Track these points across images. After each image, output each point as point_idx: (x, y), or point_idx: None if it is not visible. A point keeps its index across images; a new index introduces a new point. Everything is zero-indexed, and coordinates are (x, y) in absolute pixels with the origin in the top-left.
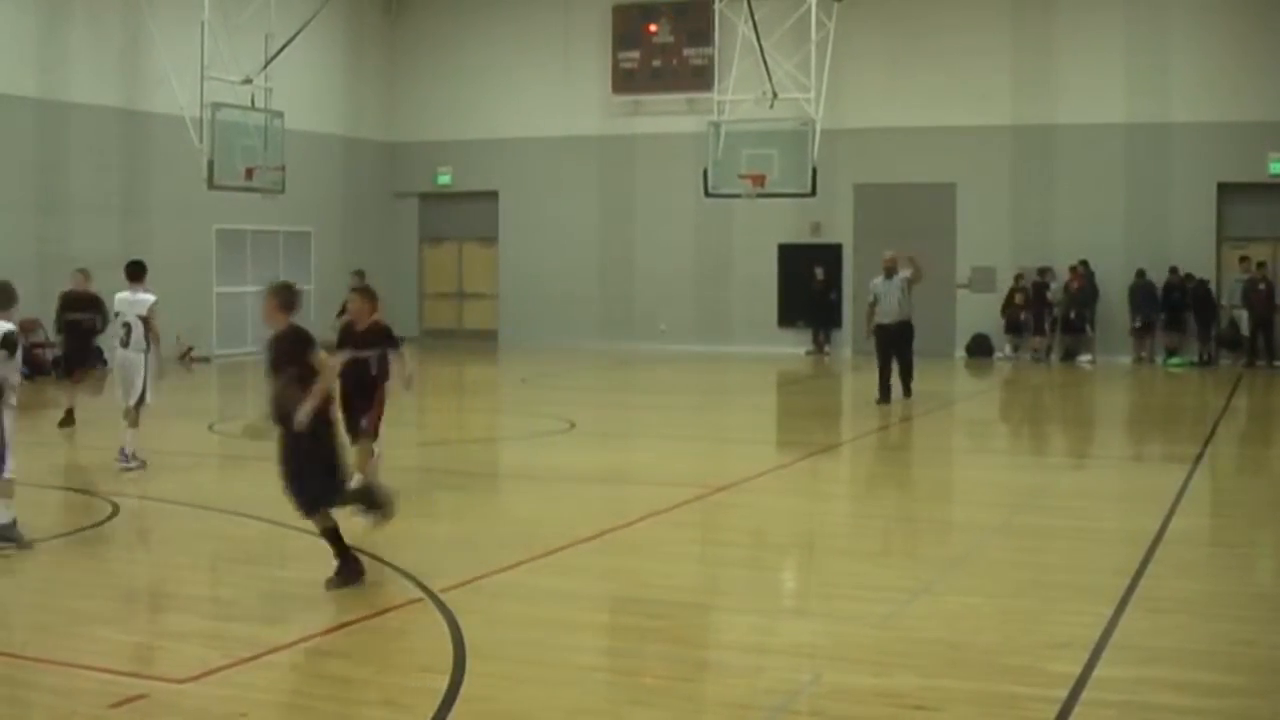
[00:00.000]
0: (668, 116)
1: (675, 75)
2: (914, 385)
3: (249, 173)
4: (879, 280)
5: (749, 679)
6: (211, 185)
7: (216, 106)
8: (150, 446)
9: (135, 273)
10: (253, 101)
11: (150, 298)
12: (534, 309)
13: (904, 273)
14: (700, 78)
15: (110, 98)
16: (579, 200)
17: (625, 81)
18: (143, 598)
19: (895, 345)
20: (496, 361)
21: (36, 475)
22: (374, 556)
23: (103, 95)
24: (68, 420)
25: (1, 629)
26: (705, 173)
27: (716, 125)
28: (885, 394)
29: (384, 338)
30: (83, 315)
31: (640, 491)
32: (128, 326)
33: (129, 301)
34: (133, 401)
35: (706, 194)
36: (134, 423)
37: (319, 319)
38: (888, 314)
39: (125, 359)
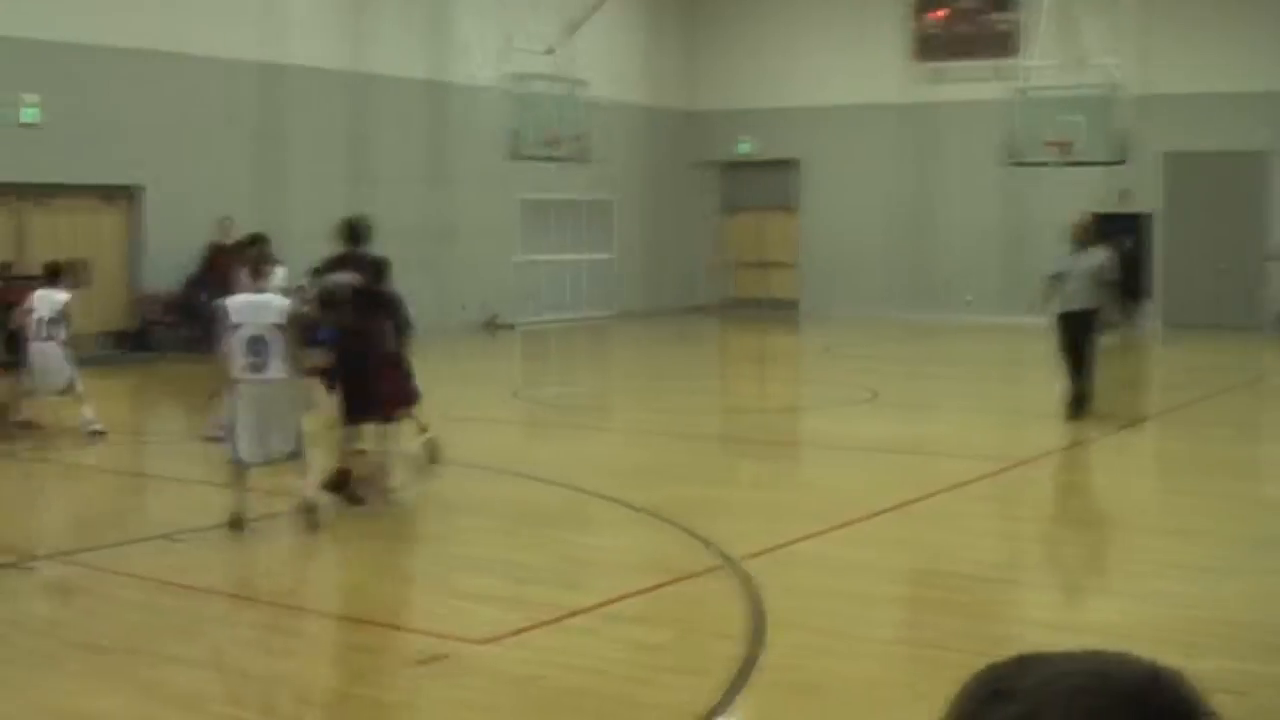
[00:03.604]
0: (971, 83)
1: (979, 41)
2: (1090, 403)
3: (552, 142)
4: (1065, 251)
5: None
6: (515, 155)
7: (520, 77)
8: (454, 414)
9: (54, 273)
10: (555, 72)
11: (67, 295)
12: (835, 278)
13: (1104, 253)
14: (1005, 43)
15: (416, 70)
16: (881, 168)
17: (927, 48)
18: (444, 560)
19: (1075, 341)
20: (797, 331)
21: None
22: (675, 523)
23: (409, 68)
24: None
25: (310, 587)
26: (1010, 140)
27: (1022, 92)
28: (1078, 402)
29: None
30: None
31: (942, 463)
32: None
33: (48, 299)
34: (80, 389)
35: (1012, 162)
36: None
37: (621, 288)
38: (1070, 298)
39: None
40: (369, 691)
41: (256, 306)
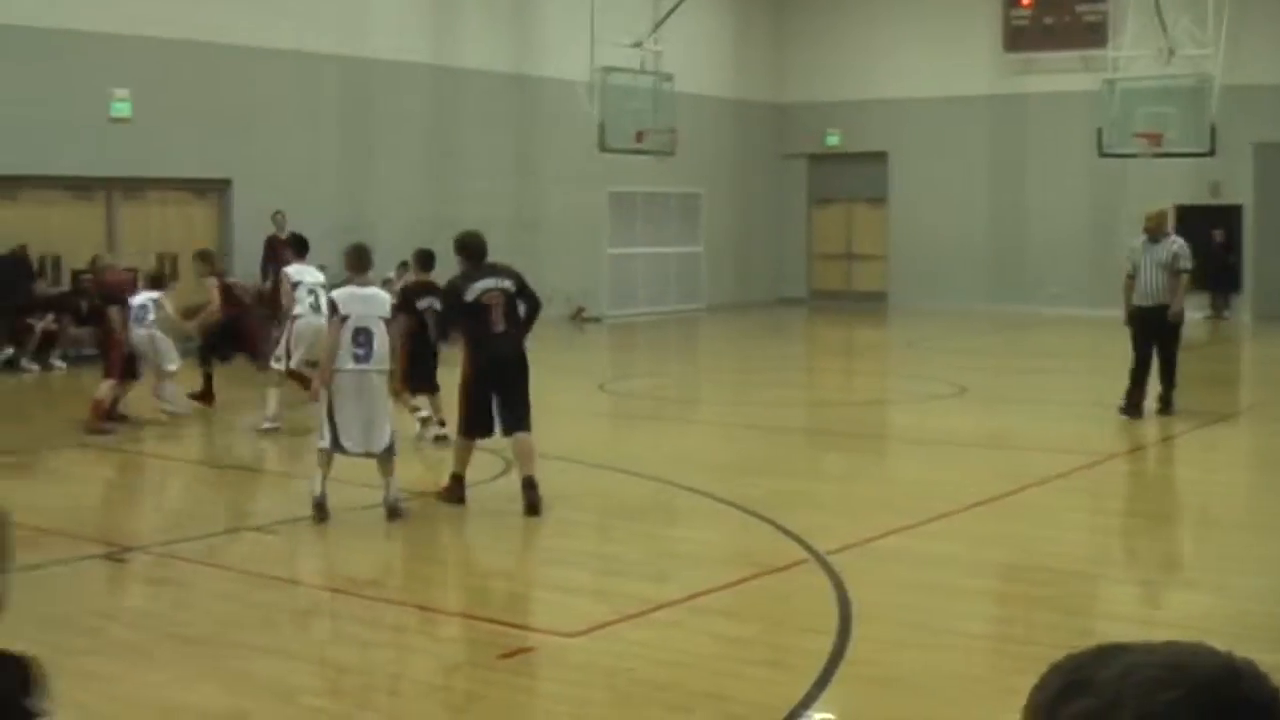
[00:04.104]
0: (1060, 74)
1: (1068, 32)
2: (1175, 396)
3: (640, 136)
4: (1138, 244)
5: None
6: (603, 148)
7: (607, 70)
8: (541, 405)
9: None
10: (642, 65)
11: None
12: (923, 271)
13: (1176, 241)
14: (1094, 34)
15: (502, 63)
16: (969, 160)
17: (1017, 39)
18: (531, 553)
19: (1153, 337)
20: (885, 324)
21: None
22: (761, 517)
23: (495, 61)
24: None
25: (399, 580)
26: (1099, 132)
27: (1111, 83)
28: (1135, 403)
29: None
30: None
31: (1030, 457)
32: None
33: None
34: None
35: (1101, 154)
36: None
37: (709, 281)
38: (1145, 293)
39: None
40: (457, 683)
41: (363, 299)
